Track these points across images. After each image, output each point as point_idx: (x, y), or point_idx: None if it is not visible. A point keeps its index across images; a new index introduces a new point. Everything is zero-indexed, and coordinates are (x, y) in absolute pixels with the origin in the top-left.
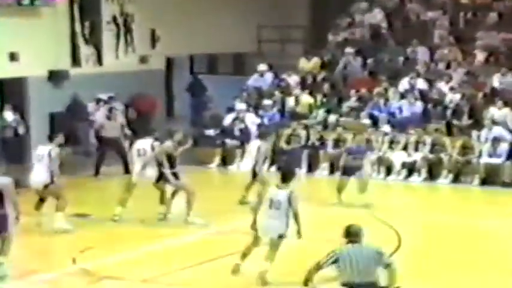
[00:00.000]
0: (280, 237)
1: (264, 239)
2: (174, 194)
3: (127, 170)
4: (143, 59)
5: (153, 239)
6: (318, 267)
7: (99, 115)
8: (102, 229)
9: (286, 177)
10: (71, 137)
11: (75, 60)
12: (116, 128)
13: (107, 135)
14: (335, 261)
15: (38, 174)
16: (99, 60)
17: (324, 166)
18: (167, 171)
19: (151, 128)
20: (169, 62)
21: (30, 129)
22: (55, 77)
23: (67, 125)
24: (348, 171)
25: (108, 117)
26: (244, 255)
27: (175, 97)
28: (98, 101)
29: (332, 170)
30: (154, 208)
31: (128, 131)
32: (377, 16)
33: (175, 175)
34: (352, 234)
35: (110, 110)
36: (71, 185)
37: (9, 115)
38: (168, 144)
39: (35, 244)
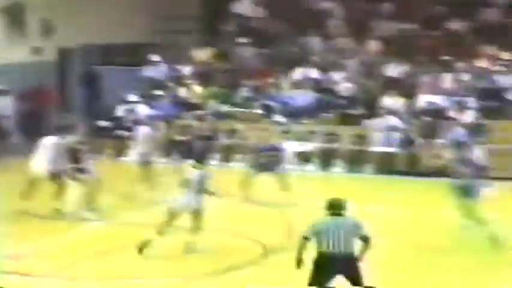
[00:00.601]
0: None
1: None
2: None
3: None
4: (36, 50)
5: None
6: (303, 241)
7: None
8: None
9: (200, 160)
10: None
11: None
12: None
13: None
14: (317, 233)
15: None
16: None
17: (217, 157)
18: (69, 166)
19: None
20: (63, 53)
21: None
22: None
23: None
24: (264, 168)
25: None
26: (160, 232)
27: (70, 89)
28: None
29: (227, 159)
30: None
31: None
32: (246, 6)
33: (80, 170)
34: (334, 207)
35: None
36: None
37: None
38: (71, 139)
39: None
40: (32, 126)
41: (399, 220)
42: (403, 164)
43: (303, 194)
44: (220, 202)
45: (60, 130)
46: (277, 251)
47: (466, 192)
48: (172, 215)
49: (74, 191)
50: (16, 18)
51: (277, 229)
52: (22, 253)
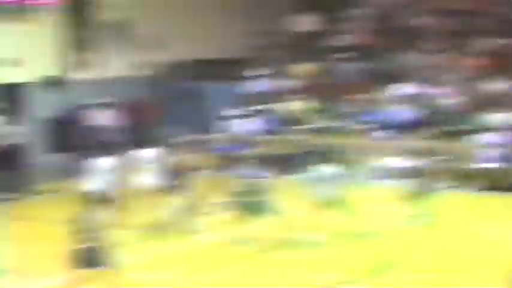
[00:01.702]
0: None
1: None
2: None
3: None
4: (139, 65)
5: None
6: None
7: (96, 120)
8: None
9: None
10: (66, 142)
11: (73, 66)
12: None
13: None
14: None
15: None
16: (97, 66)
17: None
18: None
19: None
20: (167, 68)
21: (28, 135)
22: (52, 82)
23: (64, 130)
24: None
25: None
26: None
27: (172, 103)
28: (92, 106)
29: None
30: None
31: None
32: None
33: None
34: None
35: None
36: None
37: (6, 120)
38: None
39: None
40: (135, 138)
41: None
42: (505, 180)
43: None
44: None
45: (162, 143)
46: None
47: None
48: None
49: (176, 203)
50: (125, 34)
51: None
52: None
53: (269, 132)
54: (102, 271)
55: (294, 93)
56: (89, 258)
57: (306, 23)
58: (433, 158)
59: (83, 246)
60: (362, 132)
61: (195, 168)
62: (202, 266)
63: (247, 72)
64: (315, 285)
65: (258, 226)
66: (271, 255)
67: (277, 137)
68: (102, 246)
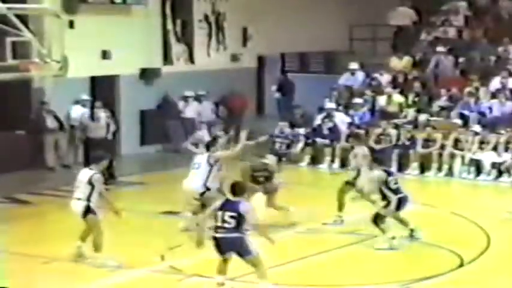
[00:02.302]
0: None
1: None
2: None
3: None
4: (234, 58)
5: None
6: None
7: (188, 112)
8: None
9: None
10: (160, 134)
11: (167, 58)
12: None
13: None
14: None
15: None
16: (191, 58)
17: (414, 166)
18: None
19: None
20: (261, 61)
21: (121, 127)
22: (146, 75)
23: (157, 122)
24: None
25: None
26: None
27: (266, 96)
28: (186, 97)
29: (422, 170)
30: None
31: None
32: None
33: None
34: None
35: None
36: (162, 181)
37: (100, 112)
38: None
39: (125, 240)
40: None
41: None
42: None
43: (496, 206)
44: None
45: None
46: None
47: None
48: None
49: None
50: (216, 26)
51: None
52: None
53: (364, 125)
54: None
55: (391, 86)
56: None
57: (406, 15)
58: None
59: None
60: (460, 126)
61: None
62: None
63: (346, 65)
64: None
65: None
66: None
67: (373, 131)
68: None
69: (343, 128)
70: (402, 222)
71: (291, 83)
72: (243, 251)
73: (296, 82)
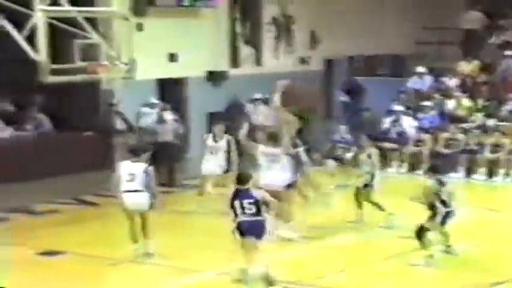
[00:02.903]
0: None
1: None
2: None
3: None
4: (303, 60)
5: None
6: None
7: (257, 115)
8: None
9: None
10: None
11: (235, 61)
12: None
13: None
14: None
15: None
16: (259, 61)
17: (482, 171)
18: None
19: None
20: (329, 64)
21: (190, 129)
22: (214, 77)
23: (225, 125)
24: None
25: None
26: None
27: (334, 99)
28: (254, 100)
29: (490, 174)
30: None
31: None
32: None
33: None
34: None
35: None
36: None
37: (168, 115)
38: None
39: (191, 242)
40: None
41: None
42: None
43: None
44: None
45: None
46: None
47: None
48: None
49: None
50: (285, 29)
51: None
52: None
53: (434, 129)
54: None
55: (459, 90)
56: None
57: (475, 19)
58: None
59: None
60: None
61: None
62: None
63: (414, 68)
64: None
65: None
66: None
67: (441, 135)
68: None
69: (411, 132)
70: (444, 236)
71: (359, 86)
72: (261, 234)
73: (364, 85)
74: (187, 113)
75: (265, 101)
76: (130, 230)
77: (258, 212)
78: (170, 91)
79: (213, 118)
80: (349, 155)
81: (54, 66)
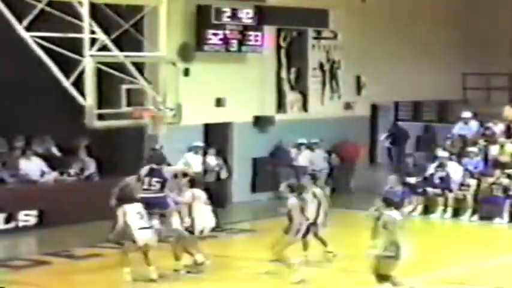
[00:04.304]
0: None
1: None
2: None
3: None
4: (348, 106)
5: None
6: None
7: (301, 160)
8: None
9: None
10: (272, 182)
11: (280, 106)
12: None
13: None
14: None
15: None
16: (304, 106)
17: None
18: None
19: None
20: (374, 109)
21: (233, 174)
22: (260, 122)
23: (269, 169)
24: None
25: None
26: None
27: (379, 144)
28: (299, 145)
29: None
30: None
31: None
32: None
33: None
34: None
35: None
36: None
37: (212, 159)
38: None
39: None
40: (341, 180)
41: None
42: None
43: None
44: None
45: None
46: None
47: None
48: None
49: None
50: (330, 74)
51: None
52: None
53: (479, 175)
54: None
55: (505, 135)
56: None
57: None
58: None
59: None
60: None
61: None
62: None
63: (458, 113)
64: None
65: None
66: None
67: (486, 180)
68: None
69: (456, 177)
70: None
71: (403, 131)
72: None
73: (409, 130)
74: (232, 158)
75: (310, 146)
76: None
77: None
78: (215, 135)
79: (257, 163)
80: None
81: (101, 111)
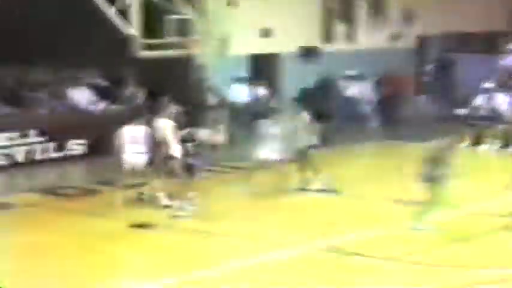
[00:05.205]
0: None
1: None
2: None
3: None
4: (395, 37)
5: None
6: None
7: (348, 91)
8: (349, 206)
9: None
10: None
11: (327, 37)
12: None
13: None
14: None
15: None
16: (351, 38)
17: None
18: None
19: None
20: (421, 40)
21: (281, 105)
22: (307, 53)
23: (317, 101)
24: None
25: None
26: None
27: (425, 76)
28: (347, 77)
29: None
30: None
31: None
32: None
33: None
34: None
35: None
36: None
37: (260, 90)
38: None
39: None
40: (388, 111)
41: None
42: None
43: None
44: None
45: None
46: None
47: None
48: None
49: None
50: (378, 6)
51: None
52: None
53: None
54: None
55: None
56: None
57: None
58: None
59: None
60: None
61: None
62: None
63: (506, 46)
64: None
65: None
66: None
67: None
68: None
69: (504, 109)
70: None
71: (451, 62)
72: None
73: (456, 62)
74: (279, 89)
75: (358, 77)
76: None
77: None
78: (262, 66)
79: (305, 94)
80: None
81: (148, 41)
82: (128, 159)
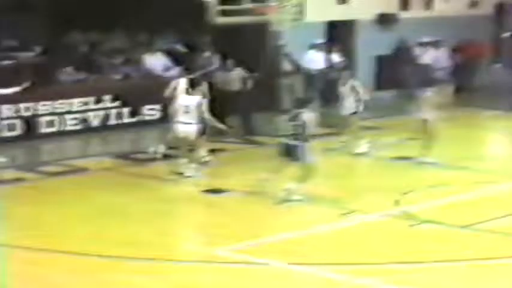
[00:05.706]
0: None
1: None
2: None
3: None
4: (473, 3)
5: (470, 185)
6: None
7: (425, 58)
8: (424, 173)
9: None
10: (396, 80)
11: (405, 4)
12: None
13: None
14: None
15: None
16: (429, 4)
17: None
18: None
19: None
20: (499, 7)
21: (357, 72)
22: (383, 20)
23: (393, 67)
24: None
25: None
26: None
27: (503, 42)
28: (422, 44)
29: None
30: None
31: None
32: None
33: None
34: None
35: None
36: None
37: (335, 57)
38: None
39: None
40: (464, 79)
41: None
42: None
43: None
44: None
45: None
46: None
47: None
48: None
49: None
50: None
51: None
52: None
53: None
54: None
55: None
56: None
57: None
58: None
59: None
60: None
61: None
62: None
63: None
64: None
65: None
66: None
67: None
68: None
69: None
70: None
71: None
72: None
73: None
74: (356, 56)
75: (434, 44)
76: None
77: None
78: (339, 33)
79: (381, 61)
80: None
81: (224, 7)
82: (180, 129)
